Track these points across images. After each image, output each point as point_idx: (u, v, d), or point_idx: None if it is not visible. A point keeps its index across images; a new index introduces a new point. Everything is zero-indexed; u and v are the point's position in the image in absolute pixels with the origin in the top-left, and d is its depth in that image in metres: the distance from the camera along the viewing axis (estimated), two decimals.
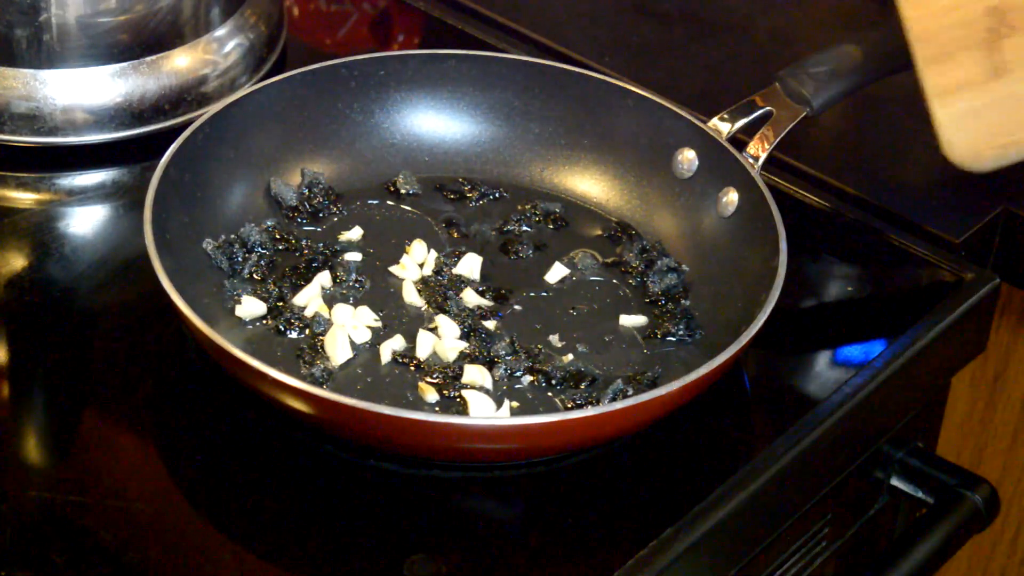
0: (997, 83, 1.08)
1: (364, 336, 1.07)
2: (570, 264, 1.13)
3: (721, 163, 1.13)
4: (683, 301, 1.10)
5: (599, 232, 1.17)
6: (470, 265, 1.12)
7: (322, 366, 1.04)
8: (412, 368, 1.05)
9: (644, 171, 1.17)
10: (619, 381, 1.03)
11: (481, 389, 1.03)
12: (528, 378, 1.04)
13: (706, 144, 1.14)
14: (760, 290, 1.02)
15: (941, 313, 1.10)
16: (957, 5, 1.06)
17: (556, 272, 1.12)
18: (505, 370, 1.04)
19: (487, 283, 1.12)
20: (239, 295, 1.08)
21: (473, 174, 1.20)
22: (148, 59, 1.20)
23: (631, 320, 1.09)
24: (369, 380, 1.04)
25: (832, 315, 1.13)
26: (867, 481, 1.14)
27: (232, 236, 1.11)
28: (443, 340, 1.06)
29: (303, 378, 1.00)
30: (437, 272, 1.12)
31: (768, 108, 1.15)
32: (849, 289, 1.15)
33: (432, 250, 1.13)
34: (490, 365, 1.05)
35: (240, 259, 1.10)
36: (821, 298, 1.14)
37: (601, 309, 1.10)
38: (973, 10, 1.07)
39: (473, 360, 1.05)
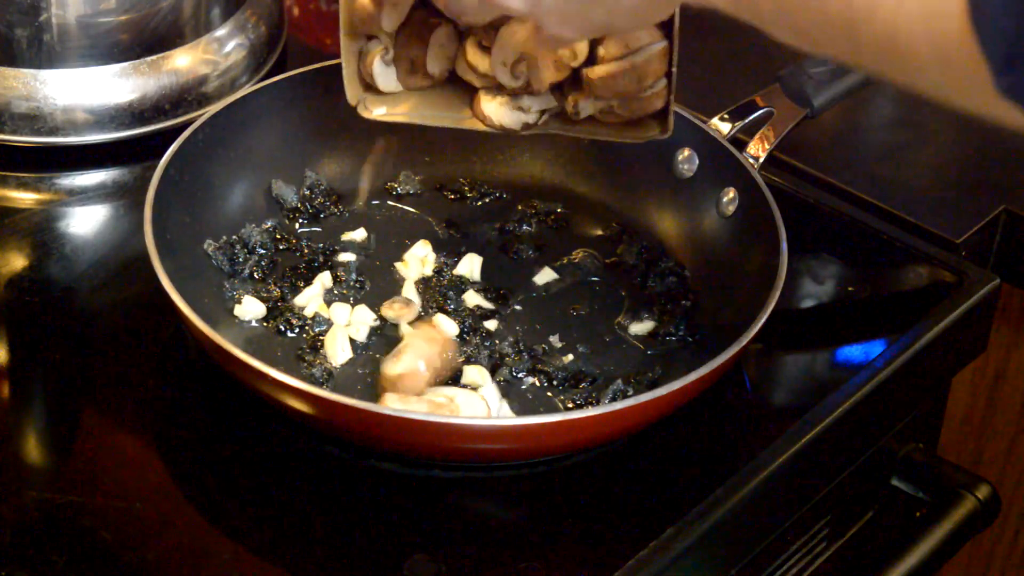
0: None
1: (364, 336, 1.07)
2: (567, 266, 1.13)
3: (721, 163, 1.13)
4: (683, 301, 1.10)
5: (599, 232, 1.17)
6: (470, 265, 1.12)
7: (322, 366, 1.04)
8: None
9: (644, 171, 1.17)
10: (619, 381, 1.03)
11: (481, 389, 1.03)
12: (530, 379, 1.04)
13: (706, 144, 1.14)
14: (760, 290, 1.02)
15: (941, 313, 1.10)
16: None
17: (544, 275, 1.12)
18: (510, 372, 1.04)
19: (487, 283, 1.12)
20: (239, 295, 1.08)
21: (473, 174, 1.20)
22: (148, 59, 1.20)
23: (639, 327, 1.08)
24: (369, 380, 1.04)
25: (832, 315, 1.13)
26: (867, 481, 1.14)
27: (233, 237, 1.12)
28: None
29: (303, 378, 1.00)
30: (438, 272, 1.12)
31: (768, 108, 1.15)
32: (849, 289, 1.15)
33: (433, 250, 1.13)
34: (492, 365, 1.05)
35: (241, 260, 1.10)
36: (821, 298, 1.14)
37: (601, 309, 1.10)
38: None
39: (473, 360, 1.05)
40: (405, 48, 1.07)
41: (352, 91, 1.08)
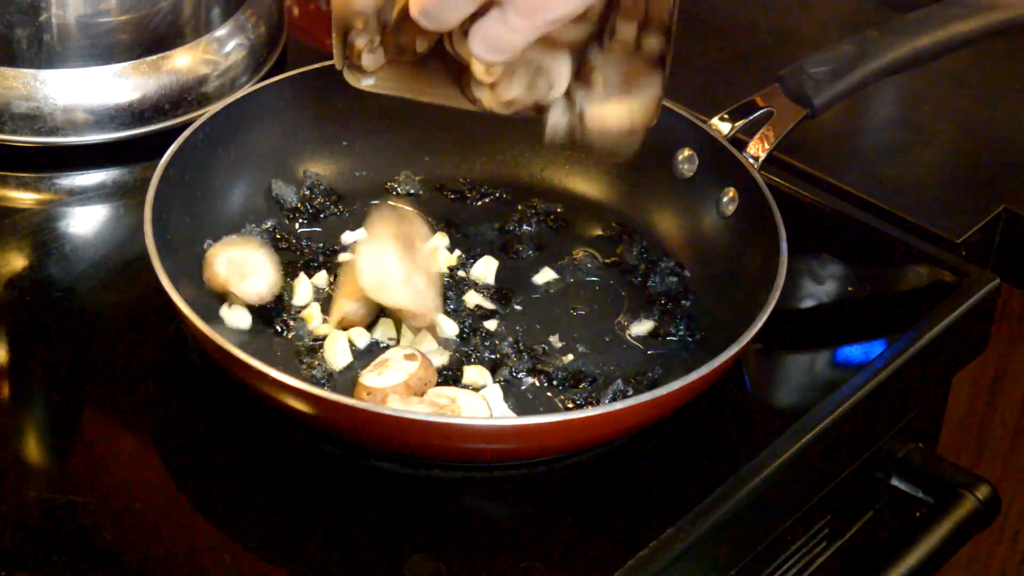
0: None
1: (364, 340, 1.06)
2: (567, 267, 1.13)
3: (721, 163, 1.13)
4: (683, 301, 1.10)
5: (599, 232, 1.16)
6: (485, 268, 1.12)
7: (322, 367, 1.04)
8: None
9: (644, 171, 1.17)
10: (619, 381, 1.03)
11: (481, 390, 1.03)
12: (530, 379, 1.04)
13: (706, 144, 1.14)
14: (760, 290, 1.02)
15: (941, 313, 1.10)
16: None
17: (544, 275, 1.12)
18: (510, 372, 1.04)
19: (488, 283, 1.12)
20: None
21: (473, 174, 1.20)
22: (148, 59, 1.20)
23: (639, 327, 1.08)
24: None
25: (832, 315, 1.13)
26: (867, 481, 1.14)
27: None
28: (436, 344, 1.06)
29: (303, 378, 1.00)
30: (454, 269, 1.11)
31: (768, 108, 1.15)
32: (849, 289, 1.15)
33: (456, 249, 1.13)
34: (492, 365, 1.05)
35: None
36: (821, 298, 1.14)
37: (601, 309, 1.10)
38: None
39: (474, 360, 1.05)
40: (393, 36, 1.06)
41: (340, 58, 1.07)
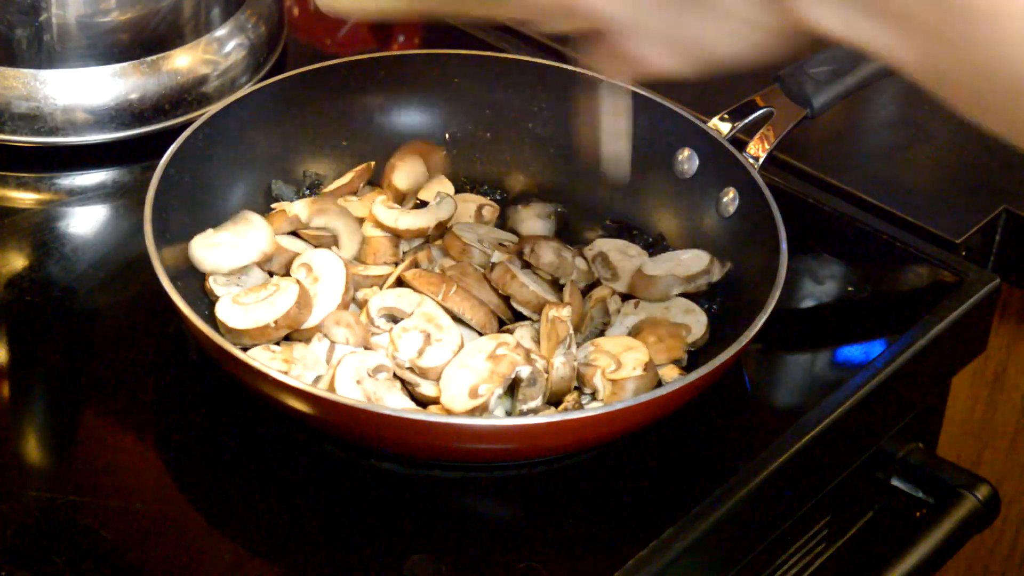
0: None
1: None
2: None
3: (721, 163, 1.13)
4: None
5: (599, 232, 1.16)
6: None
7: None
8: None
9: (644, 171, 1.17)
10: None
11: None
12: None
13: (706, 144, 1.14)
14: (760, 290, 1.02)
15: (941, 313, 1.10)
16: None
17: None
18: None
19: None
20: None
21: (473, 174, 1.20)
22: (148, 59, 1.20)
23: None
24: None
25: (832, 315, 1.13)
26: (867, 481, 1.14)
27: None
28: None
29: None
30: None
31: (768, 108, 1.15)
32: (849, 289, 1.15)
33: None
34: None
35: None
36: (821, 298, 1.14)
37: None
38: None
39: None
40: None
41: None
